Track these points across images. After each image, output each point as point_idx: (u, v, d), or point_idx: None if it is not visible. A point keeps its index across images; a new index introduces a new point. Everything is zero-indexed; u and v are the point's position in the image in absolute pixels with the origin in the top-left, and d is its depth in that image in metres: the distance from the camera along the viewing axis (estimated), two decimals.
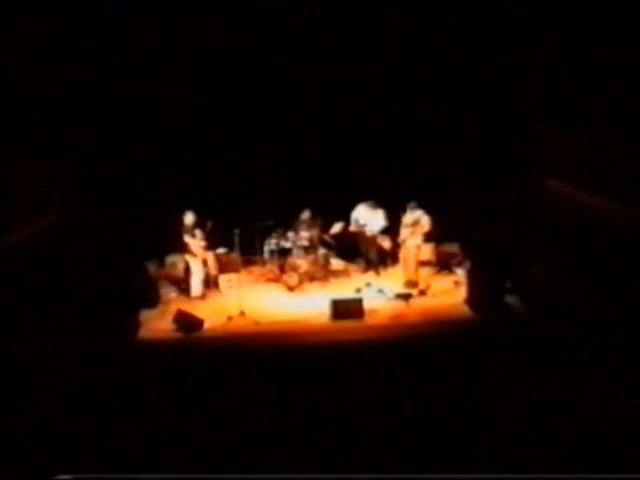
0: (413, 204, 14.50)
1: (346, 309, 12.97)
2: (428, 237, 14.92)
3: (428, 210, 14.46)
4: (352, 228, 15.31)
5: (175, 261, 15.42)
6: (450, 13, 14.52)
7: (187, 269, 14.86)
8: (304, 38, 15.06)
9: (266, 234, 15.38)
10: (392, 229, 15.12)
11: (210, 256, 14.91)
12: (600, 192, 12.08)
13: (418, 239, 14.55)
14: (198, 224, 14.36)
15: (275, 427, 8.80)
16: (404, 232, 14.62)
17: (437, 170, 15.59)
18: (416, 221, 14.46)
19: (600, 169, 12.20)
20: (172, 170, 15.64)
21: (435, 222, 14.53)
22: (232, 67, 15.38)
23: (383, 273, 15.41)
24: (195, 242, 14.31)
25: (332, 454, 8.11)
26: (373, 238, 15.30)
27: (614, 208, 11.68)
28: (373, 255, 15.46)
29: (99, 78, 14.38)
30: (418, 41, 14.99)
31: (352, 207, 15.32)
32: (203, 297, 14.46)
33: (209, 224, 14.42)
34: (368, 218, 15.18)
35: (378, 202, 15.12)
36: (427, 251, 15.45)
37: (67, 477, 7.60)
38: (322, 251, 15.26)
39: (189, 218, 14.33)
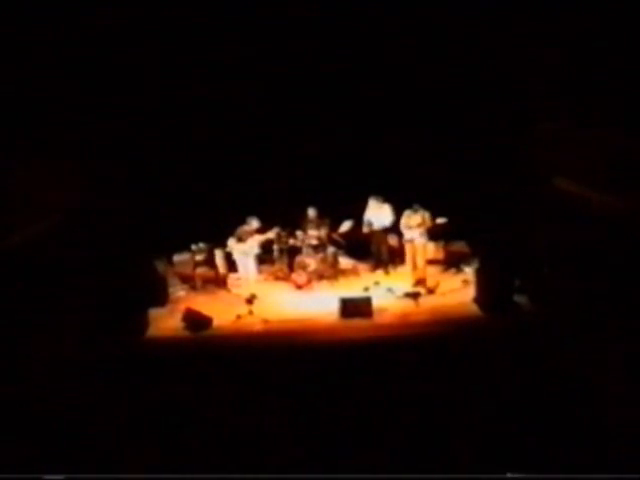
0: (416, 206, 14.52)
1: (355, 308, 12.95)
2: (436, 235, 14.92)
3: (436, 209, 14.45)
4: (364, 229, 15.29)
5: (184, 259, 15.45)
6: (456, 11, 14.50)
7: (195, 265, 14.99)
8: (310, 36, 15.06)
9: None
10: (396, 228, 15.14)
11: (218, 254, 14.98)
12: (609, 190, 12.05)
13: (424, 237, 14.55)
14: (260, 230, 14.58)
15: (283, 425, 8.81)
16: (410, 232, 14.59)
17: (445, 169, 15.56)
18: (422, 220, 14.46)
19: (609, 167, 12.17)
20: (178, 167, 15.67)
21: (446, 224, 14.51)
22: (237, 62, 15.38)
23: (392, 272, 15.39)
24: (239, 247, 14.42)
25: (340, 452, 8.12)
26: (384, 236, 15.30)
27: (623, 206, 11.66)
28: (384, 254, 15.45)
29: (107, 76, 14.39)
30: (422, 41, 14.97)
31: (360, 205, 15.30)
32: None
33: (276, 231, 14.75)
34: (376, 213, 15.17)
35: (384, 199, 15.13)
36: (435, 250, 15.45)
37: (60, 477, 7.62)
38: (331, 250, 15.26)
39: (252, 224, 14.50)
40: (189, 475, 7.89)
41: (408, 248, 14.82)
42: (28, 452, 8.25)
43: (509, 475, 7.48)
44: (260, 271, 15.46)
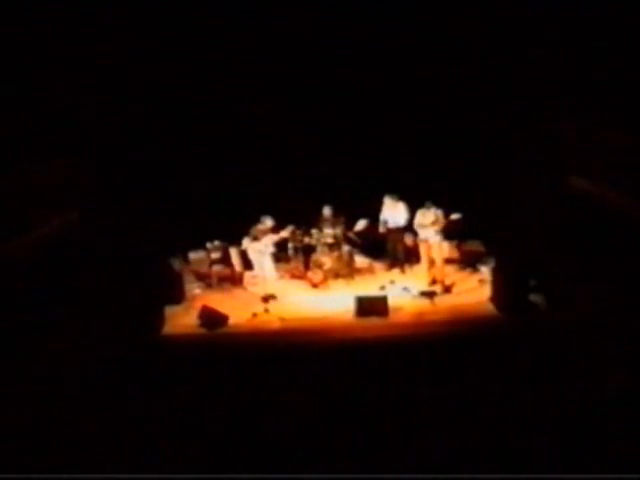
0: (428, 204, 14.49)
1: (370, 306, 12.95)
2: (450, 234, 14.89)
3: (451, 208, 14.42)
4: (381, 229, 15.28)
5: (200, 257, 15.49)
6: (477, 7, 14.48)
7: (211, 263, 15.07)
8: (329, 34, 15.07)
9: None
10: (412, 226, 15.12)
11: (234, 252, 15.00)
12: (625, 189, 12.00)
13: (439, 236, 14.52)
14: (273, 230, 14.60)
15: (298, 423, 8.81)
16: (424, 231, 14.55)
17: (460, 167, 15.53)
18: (436, 218, 14.42)
19: (625, 166, 12.11)
20: (194, 166, 15.70)
21: (460, 220, 14.48)
22: (252, 61, 15.40)
23: (408, 271, 15.38)
24: (254, 246, 14.44)
25: (355, 451, 8.12)
26: (400, 235, 15.28)
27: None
28: (400, 253, 15.44)
29: (123, 74, 14.43)
30: (438, 38, 14.96)
31: (375, 203, 15.29)
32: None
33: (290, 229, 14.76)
34: (392, 212, 15.15)
35: (399, 197, 15.11)
36: (450, 248, 15.43)
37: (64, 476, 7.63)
38: (346, 248, 15.26)
39: (267, 223, 14.53)
40: (203, 475, 7.89)
41: (423, 247, 14.79)
42: (32, 451, 8.27)
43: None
44: (276, 269, 15.46)
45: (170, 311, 13.40)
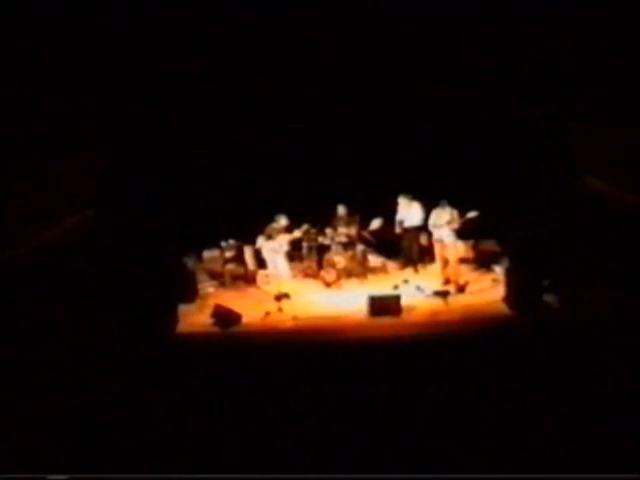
0: (443, 203, 14.48)
1: (384, 306, 12.95)
2: (465, 233, 14.87)
3: (466, 207, 14.40)
4: (397, 230, 15.27)
5: (213, 256, 15.52)
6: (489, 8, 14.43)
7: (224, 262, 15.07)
8: (345, 33, 15.06)
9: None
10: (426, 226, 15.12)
11: (248, 251, 15.02)
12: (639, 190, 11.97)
13: (453, 236, 14.51)
14: (287, 228, 14.62)
15: (311, 422, 8.82)
16: (439, 231, 14.55)
17: (475, 167, 15.49)
18: (451, 217, 14.41)
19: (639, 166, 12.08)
20: (208, 164, 15.72)
21: (476, 219, 14.46)
22: (268, 61, 15.40)
23: (421, 270, 15.36)
24: (268, 245, 14.45)
25: (367, 450, 8.12)
26: (416, 235, 15.27)
27: None
28: (415, 252, 15.43)
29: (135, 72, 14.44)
30: (452, 40, 14.92)
31: (390, 203, 15.28)
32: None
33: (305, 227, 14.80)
34: (407, 212, 15.14)
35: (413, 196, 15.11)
36: (465, 248, 15.40)
37: (63, 477, 7.64)
38: (360, 247, 15.27)
39: (281, 222, 14.54)
40: (216, 473, 7.91)
41: (437, 247, 14.78)
42: (34, 451, 8.29)
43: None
44: (289, 268, 15.48)
45: (183, 310, 13.42)
